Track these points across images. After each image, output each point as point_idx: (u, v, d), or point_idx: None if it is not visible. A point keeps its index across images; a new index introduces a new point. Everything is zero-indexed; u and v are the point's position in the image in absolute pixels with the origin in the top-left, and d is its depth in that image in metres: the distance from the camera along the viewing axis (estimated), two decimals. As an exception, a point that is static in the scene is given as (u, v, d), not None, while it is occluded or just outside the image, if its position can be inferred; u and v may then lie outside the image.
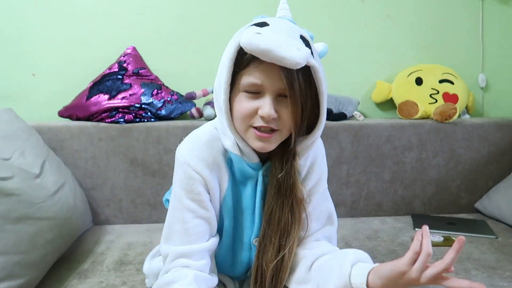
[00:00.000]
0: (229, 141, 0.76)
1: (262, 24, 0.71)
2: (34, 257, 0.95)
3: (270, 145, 0.74)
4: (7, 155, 1.11)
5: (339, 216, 0.91)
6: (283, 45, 0.64)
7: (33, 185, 1.06)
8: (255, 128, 0.72)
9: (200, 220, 0.77)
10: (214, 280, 0.77)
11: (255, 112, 0.70)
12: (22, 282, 0.90)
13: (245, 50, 0.66)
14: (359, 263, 0.71)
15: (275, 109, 0.69)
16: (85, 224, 1.37)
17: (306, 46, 0.68)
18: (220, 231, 0.83)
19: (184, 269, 0.74)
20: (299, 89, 0.68)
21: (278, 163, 0.78)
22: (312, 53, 0.69)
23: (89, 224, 1.42)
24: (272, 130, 0.72)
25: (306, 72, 0.69)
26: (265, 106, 0.69)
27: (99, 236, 1.36)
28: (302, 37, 0.71)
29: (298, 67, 0.65)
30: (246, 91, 0.71)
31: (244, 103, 0.71)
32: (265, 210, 0.79)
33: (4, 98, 1.56)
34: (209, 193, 0.78)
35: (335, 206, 0.91)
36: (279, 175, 0.77)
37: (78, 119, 1.50)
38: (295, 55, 0.64)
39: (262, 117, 0.70)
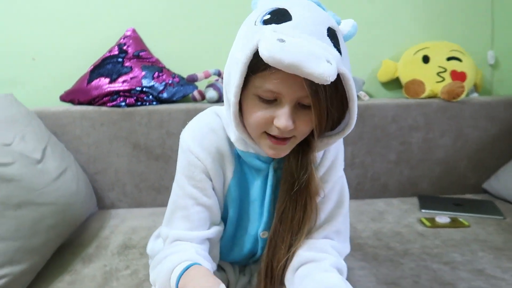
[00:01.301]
0: (234, 136, 0.72)
1: (281, 17, 0.61)
2: (36, 242, 0.95)
3: (284, 152, 0.69)
4: (8, 140, 1.11)
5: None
6: (311, 58, 0.54)
7: (34, 171, 1.06)
8: (269, 135, 0.66)
9: (201, 207, 0.75)
10: (213, 265, 0.77)
11: (271, 121, 0.64)
12: (25, 267, 0.90)
13: (266, 62, 0.55)
14: None
15: (292, 119, 0.62)
16: (90, 208, 1.37)
17: (334, 46, 0.60)
18: (223, 220, 0.81)
19: (185, 245, 0.73)
20: (324, 97, 0.60)
21: (293, 158, 0.73)
22: (340, 52, 0.61)
23: (94, 209, 1.43)
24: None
25: None
26: (282, 116, 0.62)
27: (104, 220, 1.37)
28: (330, 32, 0.61)
29: (328, 83, 0.56)
30: (260, 97, 0.63)
31: (258, 111, 0.64)
32: (278, 207, 0.76)
33: (5, 83, 1.55)
34: (211, 181, 0.76)
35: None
36: (294, 171, 0.73)
37: (80, 103, 1.49)
38: (324, 70, 0.54)
39: (277, 128, 0.63)
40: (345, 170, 0.83)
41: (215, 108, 0.80)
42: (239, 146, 0.73)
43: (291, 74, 0.56)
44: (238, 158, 0.77)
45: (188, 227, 0.75)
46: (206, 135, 0.75)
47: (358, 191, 1.56)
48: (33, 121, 1.28)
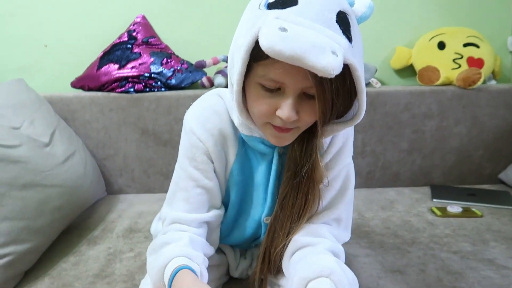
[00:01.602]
0: (237, 120, 0.71)
1: (287, 0, 0.56)
2: (41, 223, 0.96)
3: (287, 141, 0.68)
4: (17, 124, 1.12)
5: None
6: (314, 49, 0.51)
7: (41, 154, 1.07)
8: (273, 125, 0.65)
9: (201, 189, 0.74)
10: (211, 249, 0.76)
11: (274, 111, 0.61)
12: (29, 246, 0.91)
13: (266, 53, 0.52)
14: (319, 278, 0.64)
15: (296, 109, 0.60)
16: (98, 193, 1.38)
17: (344, 32, 0.56)
18: (225, 204, 0.81)
19: (181, 232, 0.72)
20: (330, 88, 0.57)
21: (298, 146, 0.71)
22: (351, 39, 0.57)
23: (102, 193, 1.44)
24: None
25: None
26: (285, 107, 0.60)
27: (112, 205, 1.38)
28: (339, 17, 0.57)
29: (332, 77, 0.52)
30: (264, 85, 0.60)
31: (261, 101, 0.62)
32: (280, 193, 0.74)
33: (18, 70, 1.57)
34: (213, 163, 0.75)
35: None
36: (298, 158, 0.71)
37: (90, 89, 1.49)
38: (328, 63, 0.50)
39: (280, 118, 0.61)
40: (355, 158, 0.79)
41: (219, 90, 0.78)
42: (243, 131, 0.72)
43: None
44: (242, 142, 0.76)
45: (187, 209, 0.74)
46: (210, 117, 0.74)
47: (368, 180, 1.53)
48: (42, 106, 1.29)
